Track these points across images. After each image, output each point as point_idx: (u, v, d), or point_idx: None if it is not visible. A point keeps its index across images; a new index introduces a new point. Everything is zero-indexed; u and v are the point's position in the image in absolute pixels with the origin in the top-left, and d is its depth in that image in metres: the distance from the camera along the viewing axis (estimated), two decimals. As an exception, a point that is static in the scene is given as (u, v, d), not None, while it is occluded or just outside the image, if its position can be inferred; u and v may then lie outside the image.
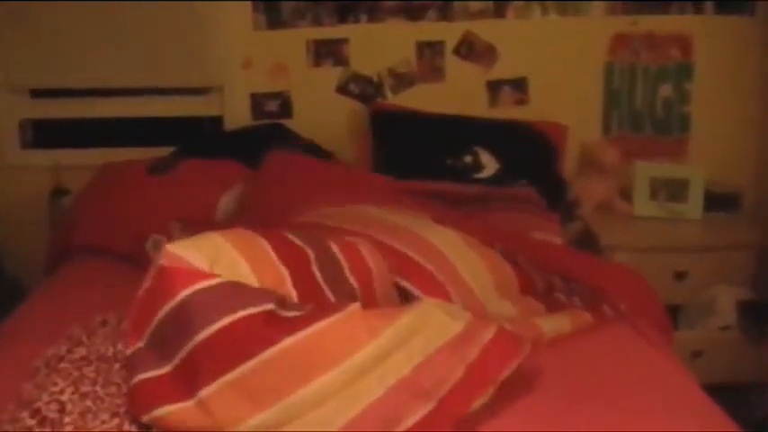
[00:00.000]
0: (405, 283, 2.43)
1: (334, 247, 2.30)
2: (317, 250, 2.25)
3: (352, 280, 2.25)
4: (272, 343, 1.82)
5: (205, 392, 1.81)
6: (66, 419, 1.90)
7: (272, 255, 2.13)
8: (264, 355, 1.82)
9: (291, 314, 1.91)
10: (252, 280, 2.01)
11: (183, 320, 1.88)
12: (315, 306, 1.99)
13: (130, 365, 1.98)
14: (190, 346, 1.85)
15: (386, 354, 1.89)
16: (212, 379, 1.82)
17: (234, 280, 1.96)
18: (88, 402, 1.96)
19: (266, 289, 2.00)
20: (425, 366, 1.90)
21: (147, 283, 1.99)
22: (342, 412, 1.80)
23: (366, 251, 2.36)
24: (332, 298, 2.15)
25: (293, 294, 2.07)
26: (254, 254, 2.09)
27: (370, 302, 2.21)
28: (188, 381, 1.84)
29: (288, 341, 1.83)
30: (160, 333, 1.95)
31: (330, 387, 1.82)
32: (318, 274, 2.18)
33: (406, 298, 2.39)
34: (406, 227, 2.71)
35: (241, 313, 1.86)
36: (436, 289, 2.43)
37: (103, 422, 1.89)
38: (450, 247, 2.64)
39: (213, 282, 1.91)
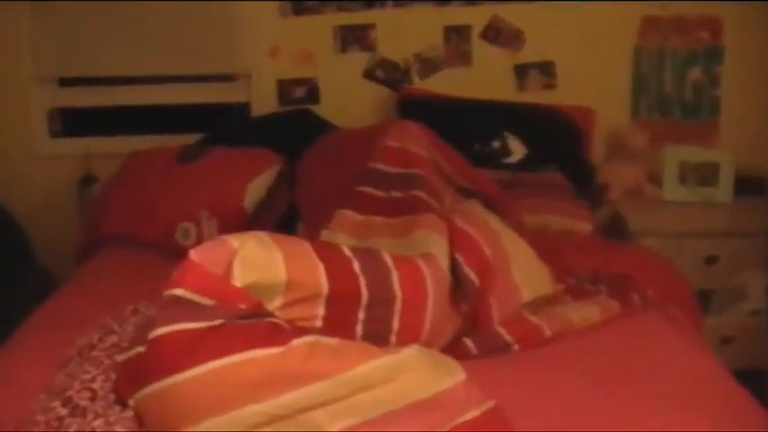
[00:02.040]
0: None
1: (387, 259, 2.16)
2: (364, 257, 2.13)
3: (398, 288, 2.10)
4: (194, 363, 1.71)
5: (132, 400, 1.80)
6: (98, 408, 1.90)
7: (310, 250, 2.05)
8: (181, 375, 1.71)
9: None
10: (279, 260, 1.93)
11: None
12: (275, 328, 1.82)
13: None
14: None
15: (317, 403, 1.71)
16: (138, 388, 1.78)
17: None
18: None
19: (226, 307, 1.82)
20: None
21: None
22: None
23: (425, 268, 2.18)
24: (365, 294, 2.05)
25: (324, 287, 1.99)
26: (289, 245, 2.02)
27: (415, 314, 2.12)
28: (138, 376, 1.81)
29: (210, 365, 1.71)
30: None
31: (236, 425, 1.69)
32: (360, 274, 2.07)
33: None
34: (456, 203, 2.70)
35: (179, 326, 1.75)
36: (481, 262, 2.40)
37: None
38: (497, 224, 2.64)
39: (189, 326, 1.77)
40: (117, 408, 1.84)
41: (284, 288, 1.92)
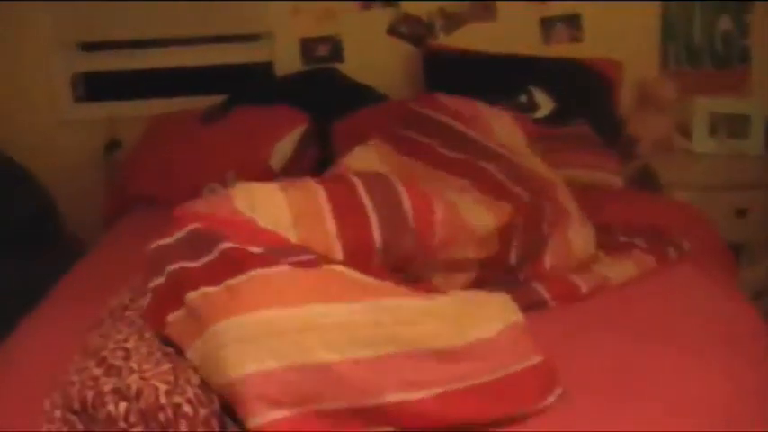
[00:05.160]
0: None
1: (402, 193, 2.24)
2: (378, 193, 2.22)
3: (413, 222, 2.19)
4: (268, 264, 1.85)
5: (233, 281, 1.84)
6: (132, 365, 1.90)
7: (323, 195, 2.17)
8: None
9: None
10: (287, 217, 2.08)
11: (204, 237, 1.99)
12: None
13: (158, 256, 2.06)
14: (215, 252, 1.93)
15: (342, 323, 1.76)
16: (235, 274, 1.85)
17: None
18: (153, 348, 1.97)
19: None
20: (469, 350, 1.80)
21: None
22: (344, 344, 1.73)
23: (436, 201, 2.27)
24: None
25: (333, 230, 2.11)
26: (300, 198, 2.14)
27: (427, 247, 2.20)
28: (217, 274, 1.88)
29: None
30: (187, 240, 2.03)
31: (337, 318, 1.75)
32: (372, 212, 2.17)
33: None
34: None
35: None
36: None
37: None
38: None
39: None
40: (152, 360, 1.84)
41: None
